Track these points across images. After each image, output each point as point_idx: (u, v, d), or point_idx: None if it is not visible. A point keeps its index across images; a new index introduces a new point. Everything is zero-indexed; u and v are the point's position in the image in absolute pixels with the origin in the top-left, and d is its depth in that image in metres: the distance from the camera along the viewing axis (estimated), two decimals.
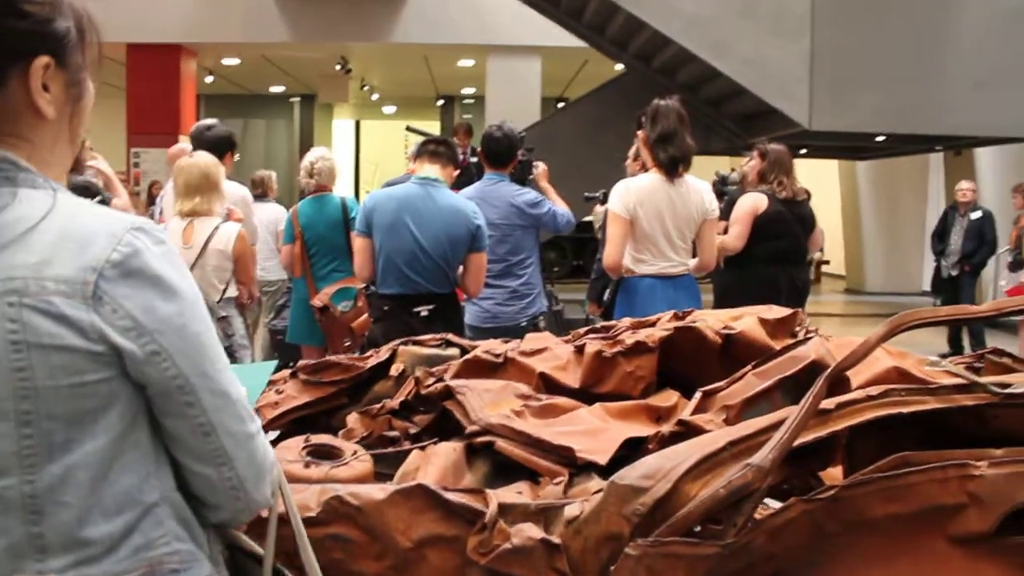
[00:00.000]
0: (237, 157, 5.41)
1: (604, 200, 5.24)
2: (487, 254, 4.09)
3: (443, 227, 3.90)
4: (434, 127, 18.85)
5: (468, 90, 18.48)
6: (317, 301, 5.00)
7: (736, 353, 2.44)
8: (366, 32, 12.88)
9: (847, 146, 12.79)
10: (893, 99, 9.18)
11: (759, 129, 9.74)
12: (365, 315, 4.78)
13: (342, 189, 20.20)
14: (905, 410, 1.90)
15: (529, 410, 2.06)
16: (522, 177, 4.88)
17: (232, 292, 4.28)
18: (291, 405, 2.70)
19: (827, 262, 19.34)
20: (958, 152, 12.73)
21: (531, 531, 1.55)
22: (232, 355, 3.96)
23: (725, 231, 5.19)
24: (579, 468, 1.78)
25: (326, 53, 14.47)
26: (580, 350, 2.37)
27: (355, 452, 1.98)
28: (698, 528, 1.56)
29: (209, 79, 15.99)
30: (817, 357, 2.09)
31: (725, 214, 5.35)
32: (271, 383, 2.85)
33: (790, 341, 2.40)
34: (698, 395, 2.10)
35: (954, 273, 9.42)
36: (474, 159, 5.42)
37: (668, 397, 2.26)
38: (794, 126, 9.02)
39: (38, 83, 1.12)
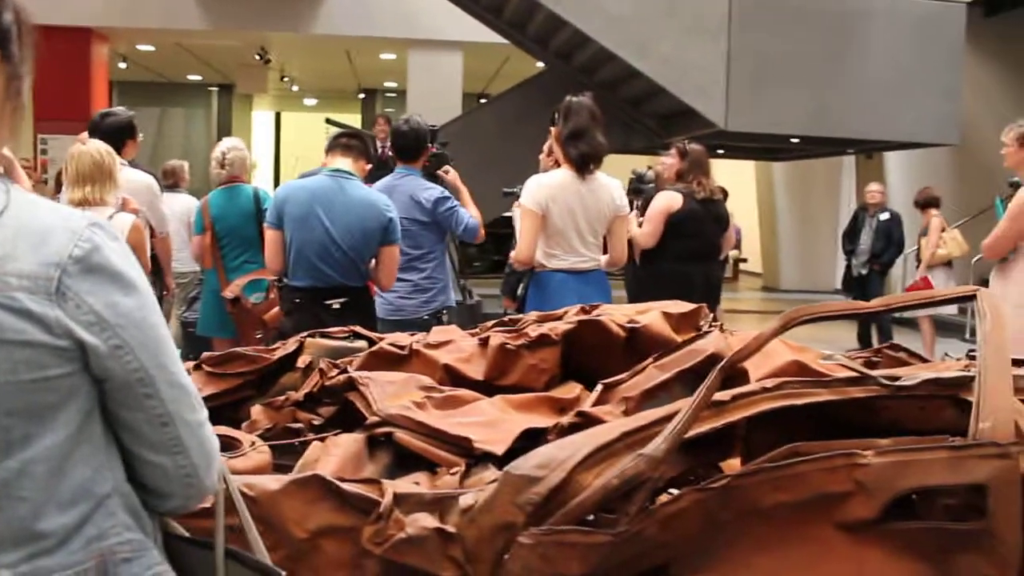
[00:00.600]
0: (141, 140, 5.28)
1: None
2: None
3: (355, 220, 3.87)
4: (355, 120, 18.69)
5: (390, 83, 18.37)
6: (228, 293, 4.92)
7: (641, 346, 2.47)
8: (286, 22, 12.70)
9: (763, 147, 13.07)
10: (807, 102, 9.42)
11: (677, 128, 9.89)
12: (277, 307, 4.71)
13: (262, 181, 19.88)
14: (798, 402, 1.95)
15: (431, 402, 2.06)
16: (434, 171, 4.86)
17: None
18: None
19: (744, 260, 19.75)
20: (869, 155, 13.11)
21: (426, 520, 1.55)
22: None
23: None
24: (476, 458, 1.79)
25: (244, 43, 14.23)
26: (485, 343, 2.38)
27: (253, 443, 1.96)
28: (592, 517, 1.57)
29: (123, 65, 15.58)
30: (716, 350, 2.13)
31: (643, 211, 5.42)
32: None
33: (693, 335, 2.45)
34: (599, 387, 2.12)
35: (863, 272, 9.67)
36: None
37: (571, 389, 2.28)
38: (710, 126, 9.18)
39: None
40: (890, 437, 1.91)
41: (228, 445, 1.97)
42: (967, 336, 9.55)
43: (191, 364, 2.84)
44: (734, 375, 2.07)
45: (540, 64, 11.41)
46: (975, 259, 8.04)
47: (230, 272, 5.13)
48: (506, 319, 2.76)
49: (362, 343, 2.77)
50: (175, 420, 1.17)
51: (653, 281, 5.24)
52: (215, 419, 2.52)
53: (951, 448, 1.74)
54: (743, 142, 11.81)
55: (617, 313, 2.61)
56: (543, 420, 2.00)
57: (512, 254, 4.25)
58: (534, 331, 2.35)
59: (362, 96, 19.72)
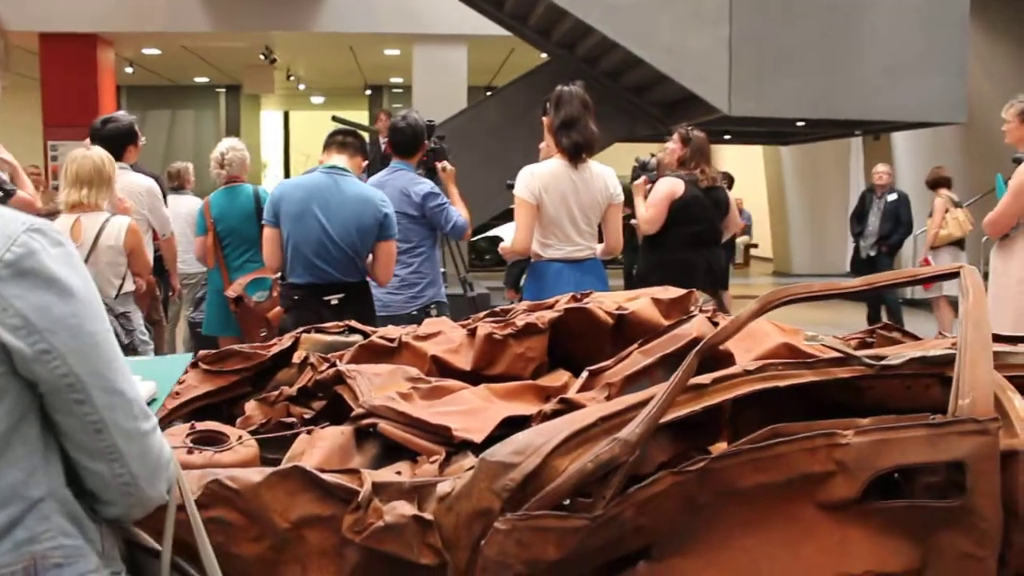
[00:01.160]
0: (144, 143, 5.30)
1: None
2: None
3: (351, 216, 3.89)
4: (363, 117, 18.72)
5: (396, 79, 18.38)
6: (231, 292, 4.96)
7: (629, 333, 2.48)
8: (289, 21, 12.73)
9: (769, 131, 13.02)
10: (810, 85, 9.37)
11: (682, 115, 9.86)
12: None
13: (273, 179, 19.92)
14: (781, 384, 1.95)
15: (417, 392, 2.08)
16: (431, 165, 4.88)
17: (129, 287, 4.22)
18: (192, 395, 2.68)
19: (755, 245, 19.69)
20: (876, 137, 13.03)
21: (404, 508, 1.57)
22: (134, 350, 3.91)
23: None
24: (456, 447, 1.81)
25: (249, 43, 14.27)
26: (473, 333, 2.39)
27: (240, 437, 1.98)
28: (568, 502, 1.58)
29: (130, 70, 15.66)
30: (699, 334, 2.14)
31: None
32: None
33: None
34: (584, 374, 2.13)
35: (872, 254, 9.65)
36: None
37: (558, 377, 2.29)
38: (715, 112, 9.15)
39: None
40: (876, 416, 1.92)
41: (216, 440, 2.00)
42: None
43: (190, 357, 2.88)
44: (718, 358, 2.08)
45: (544, 55, 11.39)
46: (984, 238, 8.00)
47: (233, 272, 5.18)
48: (498, 309, 2.78)
49: (357, 337, 2.79)
50: (110, 427, 1.17)
51: (657, 268, 5.25)
52: (213, 417, 2.57)
53: (930, 426, 1.74)
54: (749, 127, 11.78)
55: (607, 300, 2.62)
56: (527, 408, 2.01)
57: (501, 245, 4.26)
58: (521, 320, 2.36)
59: (369, 92, 19.75)
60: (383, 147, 7.99)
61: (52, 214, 5.17)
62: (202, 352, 2.83)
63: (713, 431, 2.07)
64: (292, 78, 17.95)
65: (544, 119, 4.08)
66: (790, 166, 16.92)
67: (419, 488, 1.61)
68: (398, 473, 1.75)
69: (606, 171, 4.06)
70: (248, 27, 12.95)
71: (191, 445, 1.93)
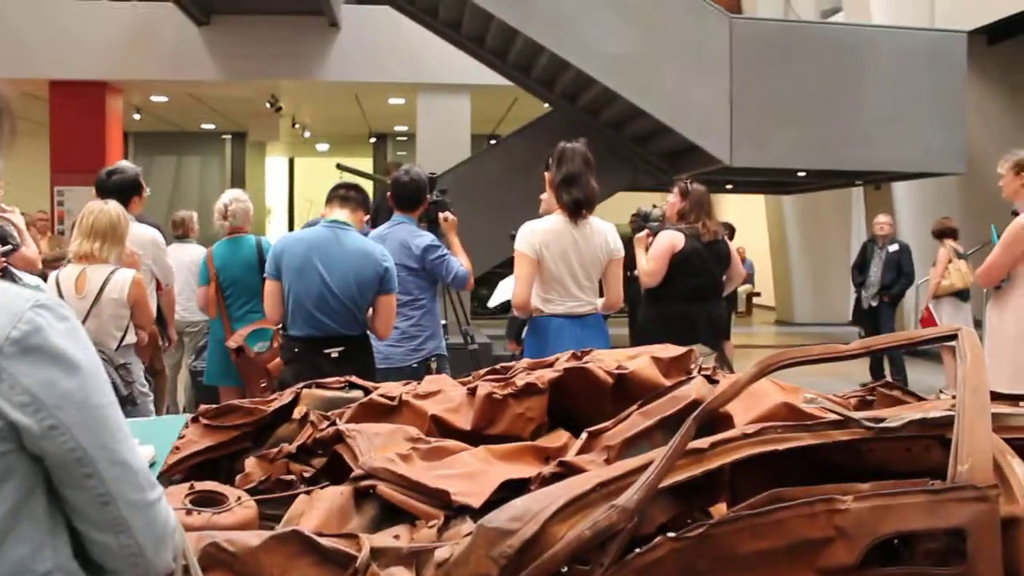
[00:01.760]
0: (148, 194, 5.34)
1: None
2: None
3: (351, 269, 3.92)
4: (367, 164, 18.85)
5: (400, 127, 18.53)
6: (232, 342, 4.97)
7: (629, 392, 2.48)
8: (295, 70, 12.87)
9: (771, 181, 13.10)
10: (810, 135, 9.45)
11: (684, 166, 9.93)
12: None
13: (277, 225, 19.94)
14: (780, 447, 1.95)
15: (417, 453, 2.08)
16: (434, 216, 4.91)
17: (131, 338, 4.24)
18: (192, 450, 2.68)
19: (758, 294, 19.71)
20: (877, 186, 13.10)
21: (401, 574, 1.57)
22: (133, 402, 3.91)
23: None
24: (455, 511, 1.80)
25: (255, 91, 14.42)
26: (473, 392, 2.40)
27: (239, 498, 1.98)
28: (565, 569, 1.58)
29: (137, 116, 15.81)
30: (698, 396, 2.14)
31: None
32: None
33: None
34: (584, 436, 2.13)
35: (874, 304, 9.64)
36: None
37: (558, 438, 2.29)
38: (716, 162, 9.22)
39: None
40: (878, 479, 1.91)
41: (215, 500, 1.99)
42: None
43: (189, 417, 2.88)
44: (716, 420, 2.08)
45: (547, 106, 11.51)
46: (985, 290, 8.00)
47: (235, 322, 5.19)
48: (498, 367, 2.78)
49: (358, 393, 2.79)
50: (116, 500, 1.18)
51: (657, 321, 5.26)
52: (213, 472, 2.57)
53: (930, 492, 1.74)
54: (751, 177, 11.85)
55: (607, 359, 2.62)
56: (526, 470, 2.01)
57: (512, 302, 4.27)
58: (521, 380, 2.37)
59: (373, 140, 19.90)
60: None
61: (57, 260, 5.20)
62: (203, 407, 2.83)
63: (712, 492, 2.06)
64: (297, 126, 18.10)
65: (546, 174, 4.11)
66: (792, 215, 16.99)
67: (417, 554, 1.61)
68: (396, 537, 1.75)
69: (606, 227, 4.09)
70: (255, 75, 13.09)
71: (189, 506, 1.93)
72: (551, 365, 2.62)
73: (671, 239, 5.28)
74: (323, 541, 1.65)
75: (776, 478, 1.99)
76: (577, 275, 3.97)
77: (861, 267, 9.91)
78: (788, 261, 17.28)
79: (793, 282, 17.27)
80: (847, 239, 16.32)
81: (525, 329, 4.74)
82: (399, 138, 19.66)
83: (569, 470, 1.91)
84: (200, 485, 2.05)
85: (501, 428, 2.31)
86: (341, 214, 4.04)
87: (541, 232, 3.98)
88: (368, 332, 4.07)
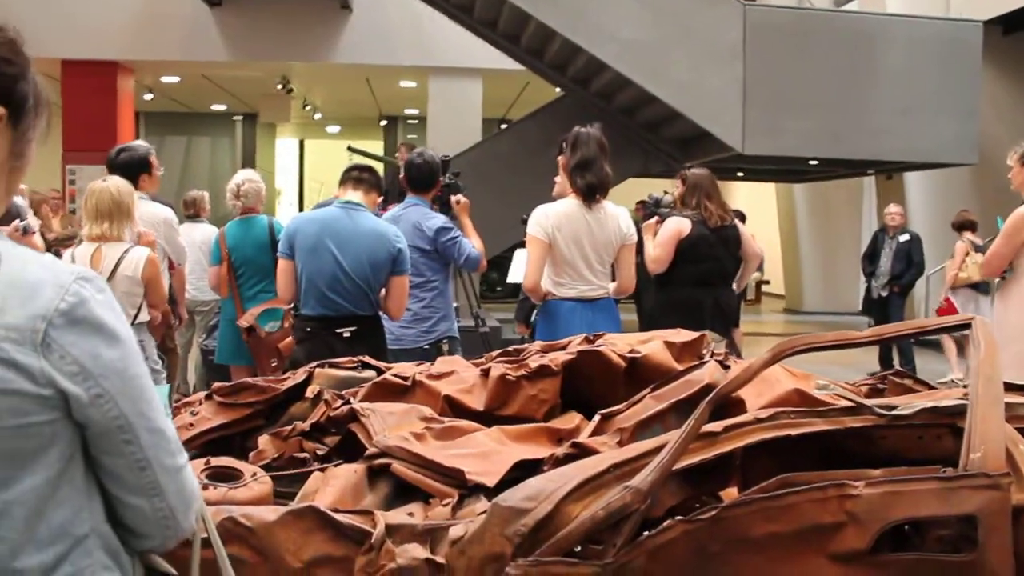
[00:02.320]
0: (162, 172, 5.35)
1: None
2: None
3: (364, 250, 3.93)
4: (378, 147, 18.84)
5: (411, 111, 18.50)
6: (243, 322, 4.99)
7: (642, 376, 2.49)
8: (306, 52, 12.85)
9: (782, 169, 13.05)
10: (823, 124, 9.41)
11: (695, 153, 9.90)
12: (291, 336, 4.77)
13: (287, 207, 19.94)
14: (792, 432, 1.96)
15: (431, 432, 2.09)
16: (447, 199, 4.92)
17: (144, 316, 4.28)
18: (205, 427, 2.70)
19: (767, 282, 19.67)
20: (889, 176, 13.05)
21: (416, 551, 1.58)
22: None
23: None
24: (469, 490, 1.82)
25: (266, 72, 14.40)
26: (486, 373, 2.41)
27: (255, 474, 2.00)
28: (579, 548, 1.59)
29: (148, 97, 15.81)
30: (711, 380, 2.15)
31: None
32: (187, 404, 2.86)
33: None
34: (597, 418, 2.14)
35: (883, 294, 9.62)
36: None
37: (571, 420, 2.30)
38: (728, 150, 9.18)
39: None
40: (890, 466, 1.92)
41: (230, 476, 2.01)
42: None
43: (203, 394, 2.90)
44: (729, 405, 2.09)
45: (559, 90, 11.47)
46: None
47: (246, 301, 5.22)
48: (511, 349, 2.79)
49: (370, 373, 2.80)
50: (153, 465, 1.22)
51: (665, 307, 5.25)
52: (226, 449, 2.59)
53: (942, 479, 1.75)
54: (762, 165, 11.81)
55: (620, 343, 2.63)
56: (540, 451, 2.02)
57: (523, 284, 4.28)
58: (535, 362, 2.38)
59: (384, 123, 19.87)
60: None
61: (70, 238, 5.23)
62: (216, 384, 2.85)
63: (724, 476, 2.08)
64: (308, 107, 18.08)
65: (560, 158, 4.11)
66: (803, 204, 16.93)
67: (432, 531, 1.62)
68: (410, 514, 1.77)
69: (620, 211, 4.09)
70: (266, 57, 13.08)
71: (206, 481, 1.94)
72: (564, 348, 2.64)
73: (677, 225, 5.26)
74: (339, 517, 1.66)
75: (788, 464, 2.00)
76: (590, 259, 3.97)
77: (871, 257, 9.89)
78: (798, 249, 17.23)
79: (803, 271, 17.22)
80: (858, 228, 16.26)
81: (534, 312, 4.75)
82: (410, 121, 19.62)
83: (582, 451, 1.92)
84: (216, 460, 2.07)
85: (514, 409, 2.32)
86: (355, 195, 4.05)
87: (554, 215, 3.98)
88: (380, 313, 4.09)
